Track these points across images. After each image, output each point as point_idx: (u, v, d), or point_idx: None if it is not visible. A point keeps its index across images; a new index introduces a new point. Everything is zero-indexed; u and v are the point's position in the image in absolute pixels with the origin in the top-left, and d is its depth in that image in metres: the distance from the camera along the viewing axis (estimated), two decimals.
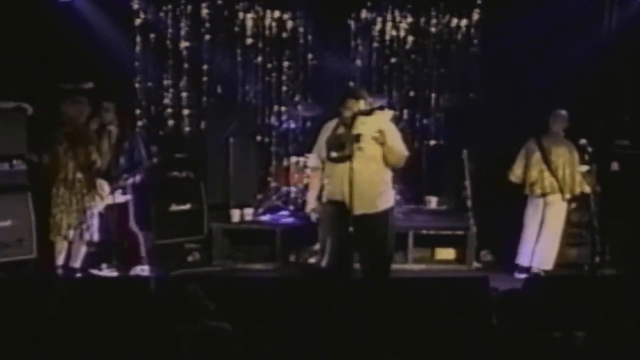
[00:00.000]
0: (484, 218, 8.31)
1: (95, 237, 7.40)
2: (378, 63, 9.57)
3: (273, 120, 9.66)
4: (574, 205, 7.99)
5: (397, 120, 7.86)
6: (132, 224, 7.71)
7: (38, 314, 4.69)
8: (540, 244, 7.80)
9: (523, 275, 7.60)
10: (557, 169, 7.66)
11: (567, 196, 7.72)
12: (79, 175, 7.21)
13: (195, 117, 9.55)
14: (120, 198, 7.57)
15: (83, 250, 7.40)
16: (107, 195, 7.37)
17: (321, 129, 6.38)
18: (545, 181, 7.70)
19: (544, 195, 7.73)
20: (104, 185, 7.39)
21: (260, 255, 8.44)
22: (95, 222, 7.34)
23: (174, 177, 8.41)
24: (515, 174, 7.86)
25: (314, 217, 6.47)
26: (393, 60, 9.58)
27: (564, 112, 7.82)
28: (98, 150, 7.33)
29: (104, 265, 7.69)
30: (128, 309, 4.79)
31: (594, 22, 8.79)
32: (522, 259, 7.86)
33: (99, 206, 7.36)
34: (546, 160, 7.69)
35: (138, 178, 7.73)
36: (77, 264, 7.36)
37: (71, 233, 7.24)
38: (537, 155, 7.74)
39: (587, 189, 7.67)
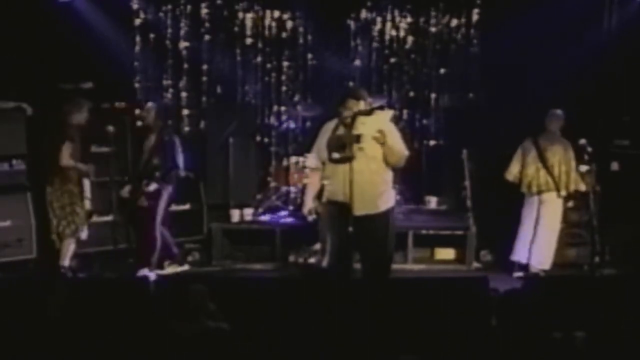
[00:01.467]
0: (484, 218, 8.31)
1: (84, 235, 7.39)
2: (378, 63, 9.57)
3: (273, 120, 9.65)
4: (571, 204, 8.03)
5: (397, 120, 7.86)
6: (156, 229, 7.56)
7: (38, 314, 4.69)
8: (537, 244, 7.83)
9: (521, 274, 7.61)
10: (553, 167, 7.72)
11: (563, 193, 7.76)
12: (51, 175, 7.24)
13: (195, 117, 9.53)
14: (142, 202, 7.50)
15: (71, 248, 7.36)
16: (89, 196, 7.33)
17: (320, 129, 6.37)
18: (541, 179, 7.75)
19: (539, 192, 7.78)
20: (85, 186, 7.37)
21: (260, 255, 8.44)
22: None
23: None
24: (512, 173, 7.90)
25: (311, 217, 6.47)
26: (393, 60, 9.58)
27: (559, 112, 7.85)
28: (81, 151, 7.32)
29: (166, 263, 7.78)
30: (128, 309, 4.79)
31: (594, 22, 8.79)
32: (519, 256, 7.90)
33: (85, 206, 7.32)
34: (542, 158, 7.74)
35: (170, 187, 7.57)
36: (66, 262, 7.32)
37: (61, 230, 7.28)
38: (533, 154, 7.80)
39: (583, 187, 7.71)
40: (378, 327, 4.75)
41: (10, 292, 5.11)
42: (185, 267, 7.96)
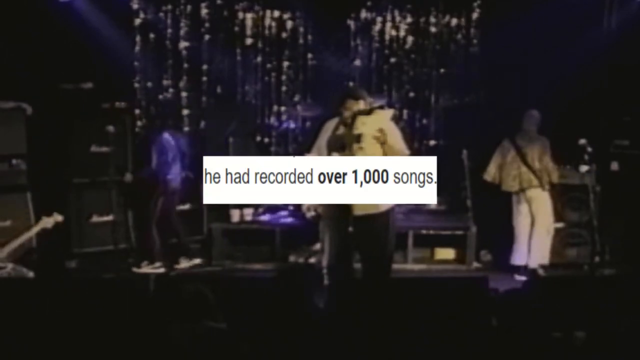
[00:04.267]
0: (484, 218, 8.31)
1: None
2: (378, 63, 9.58)
3: (272, 120, 9.66)
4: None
5: (397, 119, 7.85)
6: (173, 221, 8.02)
7: (38, 314, 4.68)
8: (535, 242, 7.89)
9: (522, 277, 7.62)
10: (534, 163, 7.82)
11: (547, 187, 7.86)
12: None
13: (195, 117, 9.53)
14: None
15: None
16: None
17: (322, 127, 6.36)
18: (524, 176, 7.86)
19: (522, 189, 7.88)
20: None
21: (260, 255, 8.44)
22: None
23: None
24: (490, 173, 8.02)
25: (309, 214, 6.46)
26: (393, 60, 9.58)
27: (536, 112, 7.98)
28: None
29: (144, 263, 7.93)
30: (128, 309, 4.78)
31: (594, 22, 8.80)
32: (519, 259, 7.92)
33: None
34: (522, 156, 7.83)
35: (161, 186, 7.92)
36: None
37: None
38: (512, 153, 7.92)
39: (555, 179, 7.87)
40: (378, 327, 4.74)
41: (10, 292, 5.10)
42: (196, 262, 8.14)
